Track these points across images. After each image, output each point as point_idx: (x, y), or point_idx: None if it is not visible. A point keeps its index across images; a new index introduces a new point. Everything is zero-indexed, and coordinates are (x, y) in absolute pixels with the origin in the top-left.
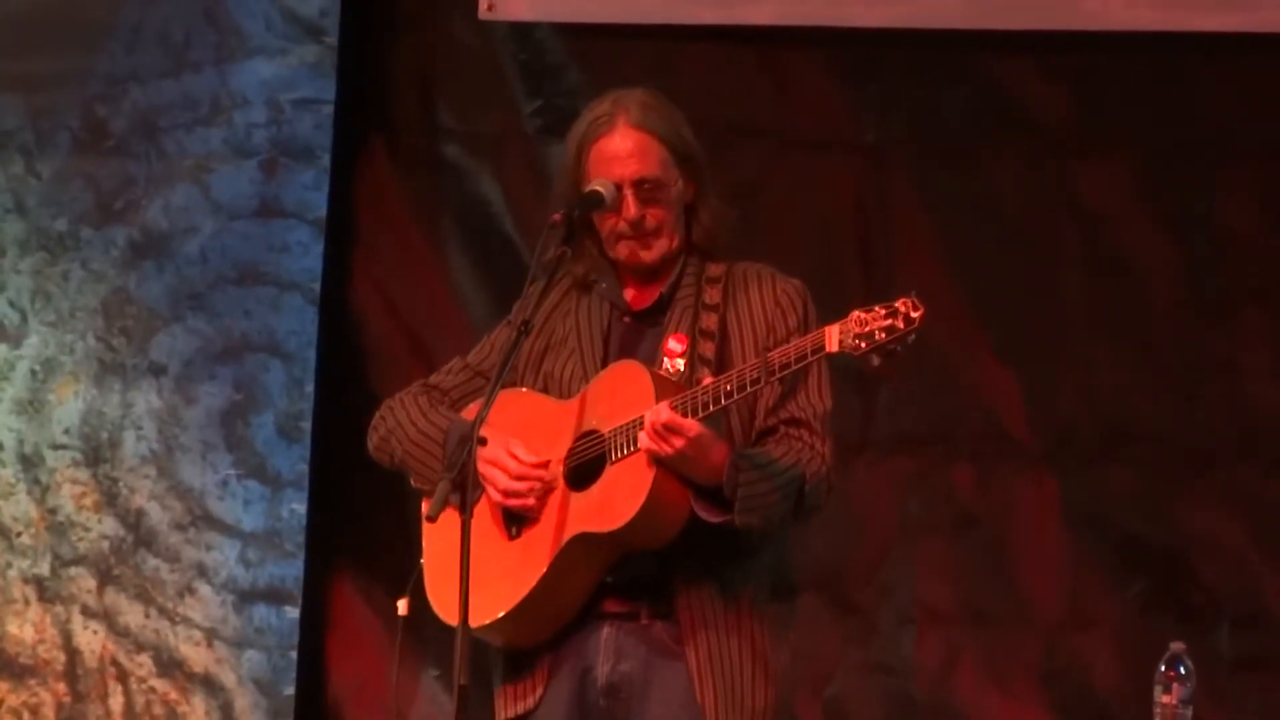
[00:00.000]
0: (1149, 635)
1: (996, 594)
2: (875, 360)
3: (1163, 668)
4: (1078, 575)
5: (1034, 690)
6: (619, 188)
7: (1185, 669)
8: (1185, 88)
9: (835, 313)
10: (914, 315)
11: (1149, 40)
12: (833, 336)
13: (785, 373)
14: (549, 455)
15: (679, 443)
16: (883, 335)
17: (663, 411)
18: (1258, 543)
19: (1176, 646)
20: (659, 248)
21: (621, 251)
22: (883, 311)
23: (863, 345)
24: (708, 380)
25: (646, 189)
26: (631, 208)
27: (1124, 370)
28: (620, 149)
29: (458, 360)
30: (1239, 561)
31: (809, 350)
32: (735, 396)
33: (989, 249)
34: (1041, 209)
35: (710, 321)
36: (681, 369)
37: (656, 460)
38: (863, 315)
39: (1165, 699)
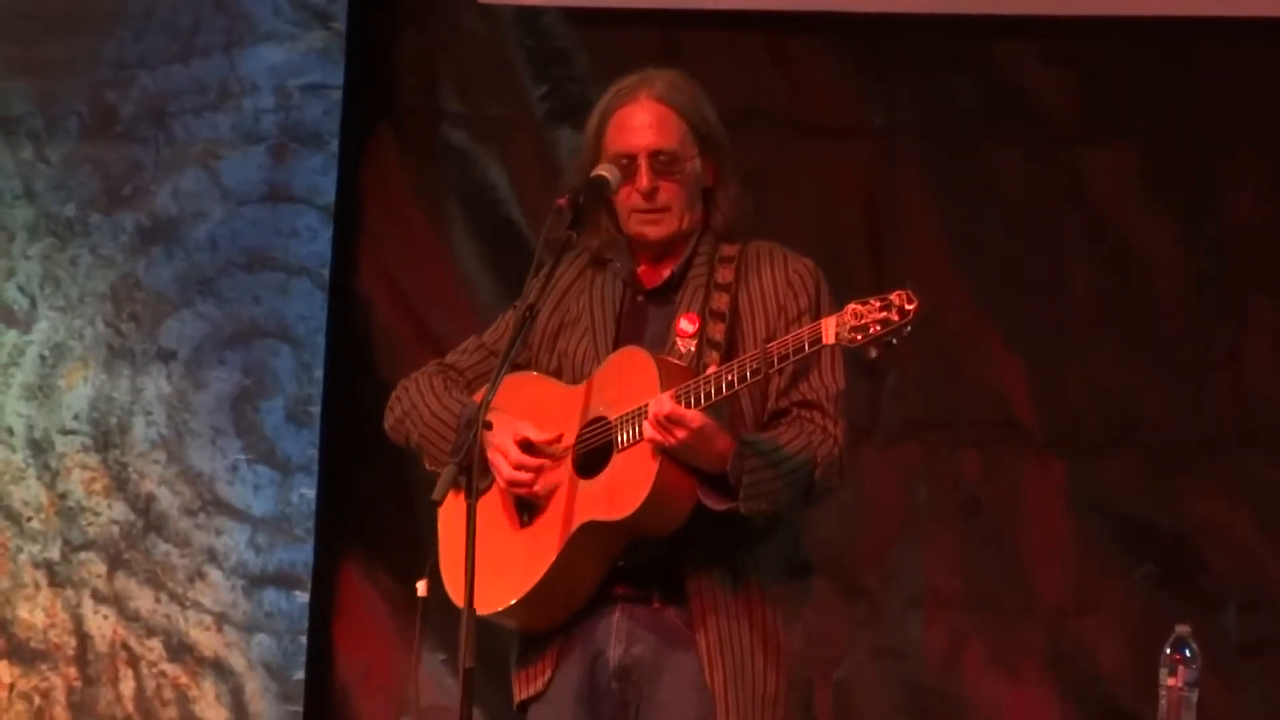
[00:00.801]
0: (1155, 619)
1: (1003, 579)
2: (873, 352)
3: (1168, 651)
4: (1084, 560)
5: (1040, 674)
6: (634, 159)
7: (1191, 652)
8: (1193, 75)
9: (842, 298)
10: (909, 308)
11: (1157, 26)
12: (829, 329)
13: (784, 364)
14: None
15: (682, 434)
16: (878, 329)
17: (665, 403)
18: (1263, 528)
19: (1182, 629)
20: (668, 224)
21: (632, 226)
22: (878, 304)
23: (859, 338)
24: (712, 369)
25: (662, 161)
26: (645, 178)
27: (1130, 357)
28: (640, 120)
29: (473, 339)
30: (1244, 547)
31: (806, 342)
32: (737, 387)
33: (996, 236)
34: (1048, 196)
35: (721, 302)
36: (692, 350)
37: (661, 450)
38: (858, 308)
39: (1171, 682)
